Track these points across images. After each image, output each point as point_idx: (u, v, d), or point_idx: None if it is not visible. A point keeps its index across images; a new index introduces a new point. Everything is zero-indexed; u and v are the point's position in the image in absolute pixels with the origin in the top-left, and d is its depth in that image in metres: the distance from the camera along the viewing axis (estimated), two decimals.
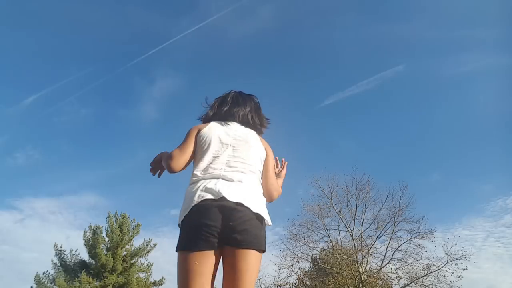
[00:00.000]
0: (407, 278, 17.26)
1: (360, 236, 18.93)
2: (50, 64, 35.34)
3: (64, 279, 17.20)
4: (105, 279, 16.99)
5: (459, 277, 16.28)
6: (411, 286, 17.25)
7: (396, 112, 32.73)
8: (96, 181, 36.87)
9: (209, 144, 1.74)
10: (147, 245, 19.28)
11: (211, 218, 1.51)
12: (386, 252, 18.24)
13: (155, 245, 19.53)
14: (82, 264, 18.26)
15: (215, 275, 1.56)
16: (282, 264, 18.13)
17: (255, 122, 1.95)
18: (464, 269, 16.34)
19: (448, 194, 31.34)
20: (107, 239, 18.57)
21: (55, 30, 34.61)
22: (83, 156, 37.58)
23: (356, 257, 17.90)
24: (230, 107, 1.92)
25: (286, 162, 2.11)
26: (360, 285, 16.89)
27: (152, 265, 19.06)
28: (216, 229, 1.49)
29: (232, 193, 1.57)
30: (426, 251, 17.39)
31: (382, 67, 32.28)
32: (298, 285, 18.15)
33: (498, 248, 23.88)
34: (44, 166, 33.02)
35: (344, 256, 17.72)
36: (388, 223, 18.59)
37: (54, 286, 17.38)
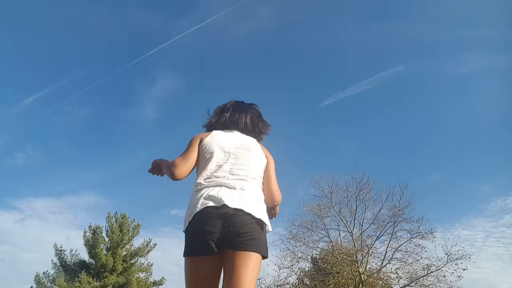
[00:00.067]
0: (407, 278, 17.26)
1: (360, 236, 18.92)
2: (50, 64, 35.45)
3: (64, 279, 17.23)
4: (105, 279, 17.02)
5: (459, 277, 16.29)
6: (411, 286, 17.25)
7: (396, 112, 32.83)
8: (96, 181, 37.00)
9: (212, 153, 1.78)
10: (147, 245, 19.33)
11: (212, 224, 1.55)
12: (386, 252, 18.25)
13: (155, 245, 19.63)
14: (82, 264, 18.29)
15: (219, 280, 1.60)
16: (282, 264, 18.12)
17: (257, 128, 1.99)
18: (464, 269, 16.35)
19: (448, 194, 31.45)
20: (107, 239, 18.61)
21: (55, 30, 34.68)
22: (83, 156, 37.69)
23: (356, 257, 17.89)
24: (232, 113, 1.98)
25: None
26: (360, 285, 16.89)
27: (152, 265, 19.15)
28: (217, 234, 1.53)
29: (234, 200, 1.61)
30: (426, 251, 17.39)
31: (382, 67, 32.42)
32: (298, 285, 18.14)
33: (498, 248, 23.96)
34: (44, 166, 33.13)
35: (344, 256, 17.70)
36: (388, 223, 18.59)
37: (54, 286, 17.40)
